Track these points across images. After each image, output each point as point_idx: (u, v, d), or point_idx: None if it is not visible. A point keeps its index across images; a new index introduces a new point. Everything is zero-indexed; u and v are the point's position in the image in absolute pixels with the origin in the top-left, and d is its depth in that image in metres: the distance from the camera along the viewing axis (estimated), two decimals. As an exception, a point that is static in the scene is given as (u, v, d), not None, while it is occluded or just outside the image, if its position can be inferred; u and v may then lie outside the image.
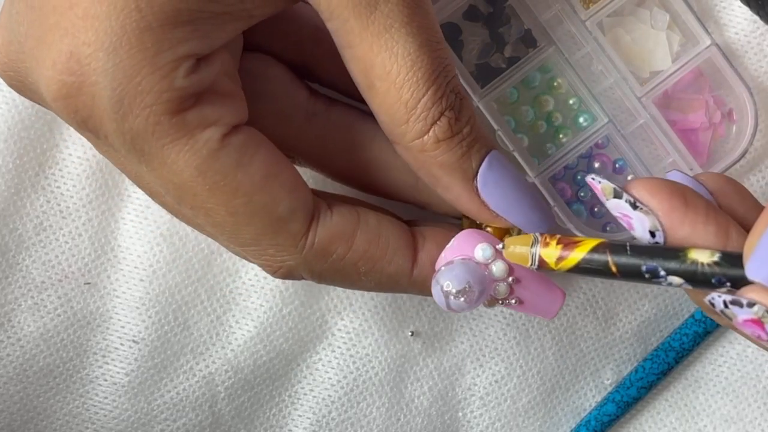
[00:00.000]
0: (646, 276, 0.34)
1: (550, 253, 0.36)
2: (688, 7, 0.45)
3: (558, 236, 0.36)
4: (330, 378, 0.49)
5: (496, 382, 0.50)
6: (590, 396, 0.50)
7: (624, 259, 0.34)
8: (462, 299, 0.39)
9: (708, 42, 0.45)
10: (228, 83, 0.37)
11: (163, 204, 0.40)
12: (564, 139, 0.46)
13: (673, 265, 0.33)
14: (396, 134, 0.38)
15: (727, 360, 0.50)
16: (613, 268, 0.34)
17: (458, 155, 0.38)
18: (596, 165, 0.47)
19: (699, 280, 0.33)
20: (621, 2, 0.45)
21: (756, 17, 0.47)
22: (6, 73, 0.38)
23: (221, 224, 0.37)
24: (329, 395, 0.50)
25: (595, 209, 0.47)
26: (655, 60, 0.46)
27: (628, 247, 0.34)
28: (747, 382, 0.50)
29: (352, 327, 0.49)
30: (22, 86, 0.38)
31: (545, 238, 0.36)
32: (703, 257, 0.33)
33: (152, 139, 0.35)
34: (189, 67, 0.35)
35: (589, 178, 0.36)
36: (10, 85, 0.38)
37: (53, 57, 0.34)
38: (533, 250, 0.36)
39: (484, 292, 0.39)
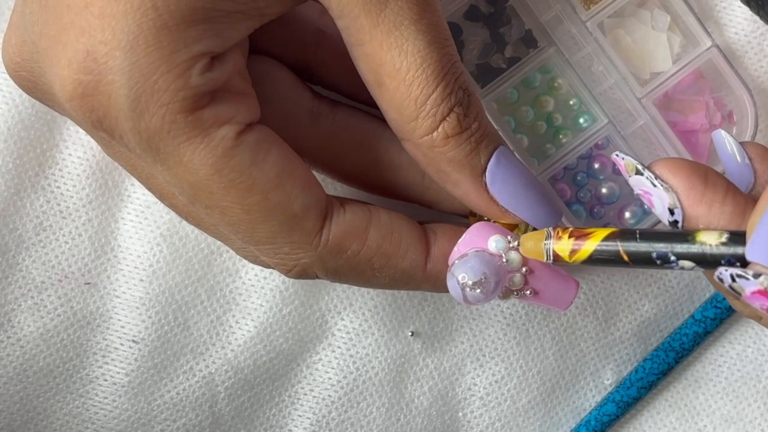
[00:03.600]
0: (658, 262, 0.34)
1: (564, 246, 0.36)
2: (689, 9, 0.45)
3: (570, 229, 0.36)
4: (330, 378, 0.49)
5: (496, 382, 0.50)
6: (590, 396, 0.50)
7: (634, 246, 0.34)
8: (478, 291, 0.39)
9: (708, 43, 0.45)
10: (241, 82, 0.37)
11: (173, 206, 0.40)
12: (564, 140, 0.46)
13: (682, 248, 0.33)
14: (405, 131, 0.38)
15: (727, 360, 0.50)
16: (625, 257, 0.34)
17: (467, 151, 0.38)
18: (596, 166, 0.47)
19: (709, 261, 0.33)
20: (622, 3, 0.45)
21: (756, 17, 0.47)
22: (18, 74, 0.37)
23: (236, 223, 0.37)
24: (329, 395, 0.49)
25: (595, 210, 0.47)
26: (655, 61, 0.46)
27: (637, 234, 0.34)
28: (747, 382, 0.50)
29: (352, 327, 0.49)
30: (34, 87, 0.37)
31: (558, 232, 0.36)
32: (711, 239, 0.33)
33: (168, 138, 0.35)
34: (204, 65, 0.35)
35: (613, 155, 0.37)
36: (21, 86, 0.38)
37: (69, 56, 0.34)
38: (547, 244, 0.36)
39: (499, 283, 0.39)
